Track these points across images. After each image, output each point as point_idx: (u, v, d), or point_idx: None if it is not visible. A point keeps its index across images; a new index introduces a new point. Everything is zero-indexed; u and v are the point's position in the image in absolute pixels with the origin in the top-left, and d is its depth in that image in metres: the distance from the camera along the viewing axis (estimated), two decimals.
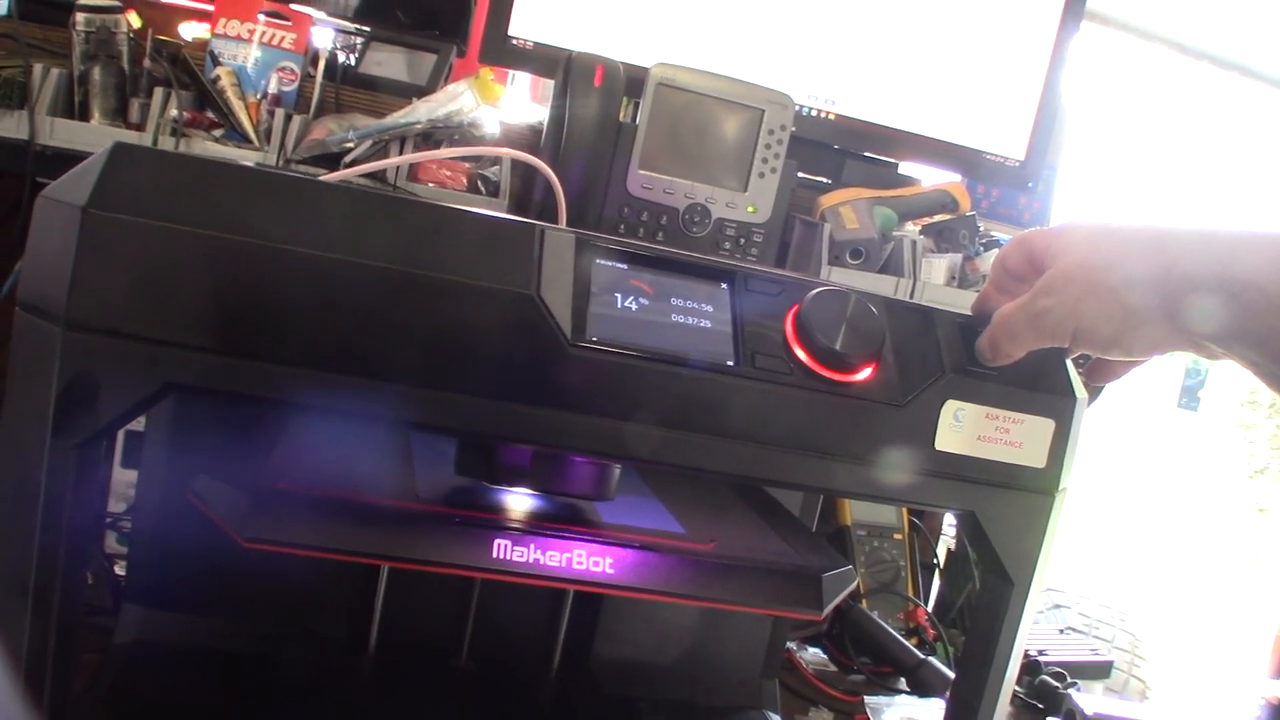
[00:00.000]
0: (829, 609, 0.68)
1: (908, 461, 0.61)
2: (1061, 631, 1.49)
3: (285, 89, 1.11)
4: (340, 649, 0.87)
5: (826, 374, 0.60)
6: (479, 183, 1.12)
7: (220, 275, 0.53)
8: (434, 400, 0.55)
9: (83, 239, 0.51)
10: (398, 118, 1.06)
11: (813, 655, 1.23)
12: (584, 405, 0.57)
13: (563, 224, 0.80)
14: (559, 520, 0.68)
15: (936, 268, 1.24)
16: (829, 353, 0.60)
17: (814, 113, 1.32)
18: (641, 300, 0.60)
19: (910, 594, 1.34)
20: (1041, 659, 1.27)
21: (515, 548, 0.62)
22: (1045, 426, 0.64)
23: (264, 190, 0.55)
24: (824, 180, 1.37)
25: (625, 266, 0.61)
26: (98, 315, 0.52)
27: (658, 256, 0.62)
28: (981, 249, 1.30)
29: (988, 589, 0.67)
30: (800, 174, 1.28)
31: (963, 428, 0.62)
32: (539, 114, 1.26)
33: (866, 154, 1.39)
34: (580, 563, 0.63)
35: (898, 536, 1.37)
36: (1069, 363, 0.66)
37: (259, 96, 1.09)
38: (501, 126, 1.16)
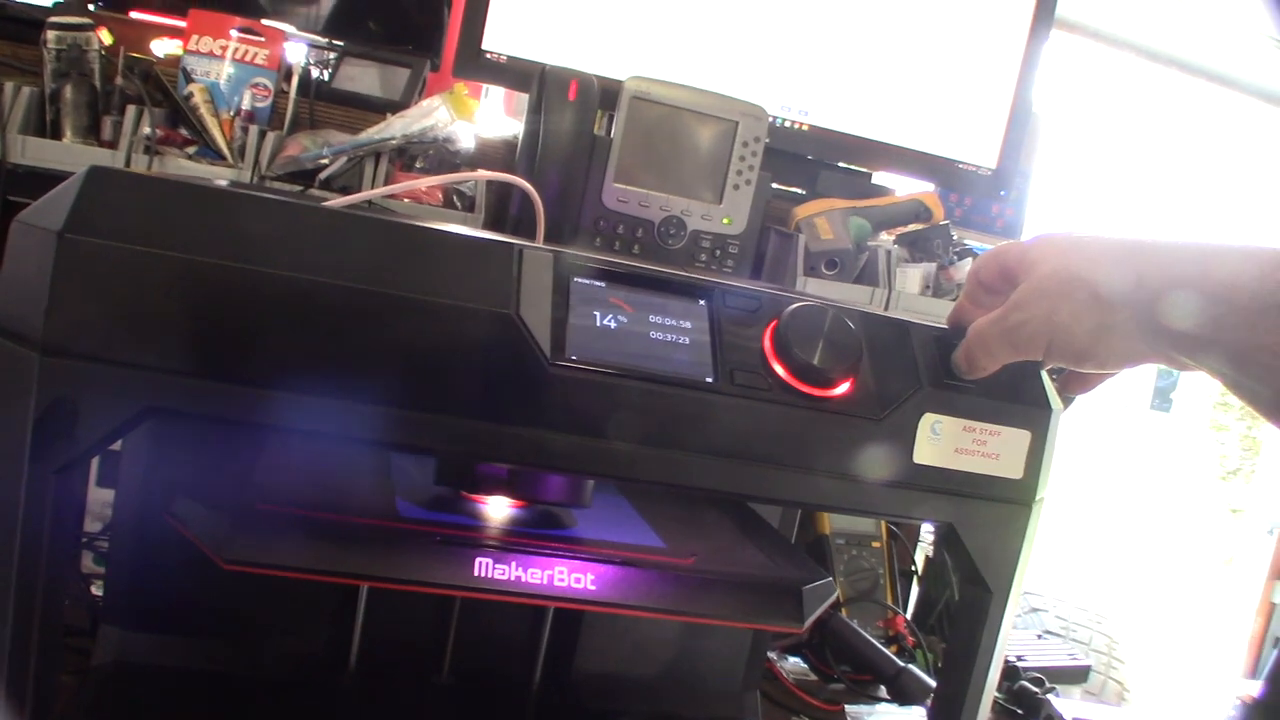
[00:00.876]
0: (809, 621, 0.68)
1: (886, 475, 0.62)
2: (1039, 636, 1.50)
3: (259, 105, 1.11)
4: (320, 667, 0.86)
5: (805, 389, 0.60)
6: (455, 198, 1.12)
7: (198, 298, 0.53)
8: (414, 421, 0.55)
9: (59, 264, 0.51)
10: (372, 133, 1.06)
11: (793, 665, 1.24)
12: (564, 424, 0.57)
13: (540, 240, 0.80)
14: (539, 535, 0.68)
15: (911, 277, 1.25)
16: (807, 368, 0.60)
17: (788, 124, 1.33)
18: (620, 318, 0.60)
19: (889, 602, 1.34)
20: (1020, 664, 1.28)
21: (496, 565, 0.62)
22: (1021, 438, 0.64)
23: (241, 212, 0.55)
24: (798, 191, 1.38)
25: (603, 284, 0.61)
26: (75, 340, 0.51)
27: (636, 274, 0.62)
28: (956, 258, 1.31)
29: (966, 598, 0.67)
30: (775, 185, 1.28)
31: (940, 440, 0.62)
32: (513, 128, 1.26)
33: (840, 164, 1.40)
34: (562, 579, 0.63)
35: (876, 544, 1.38)
36: (1044, 374, 0.67)
37: (232, 113, 1.09)
38: (476, 141, 1.16)
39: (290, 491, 0.68)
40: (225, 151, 1.05)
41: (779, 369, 0.61)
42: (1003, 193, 1.43)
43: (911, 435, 0.62)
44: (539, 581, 0.63)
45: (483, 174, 0.97)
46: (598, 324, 0.59)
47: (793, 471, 0.61)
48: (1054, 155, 1.77)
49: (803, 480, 0.61)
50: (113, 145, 1.04)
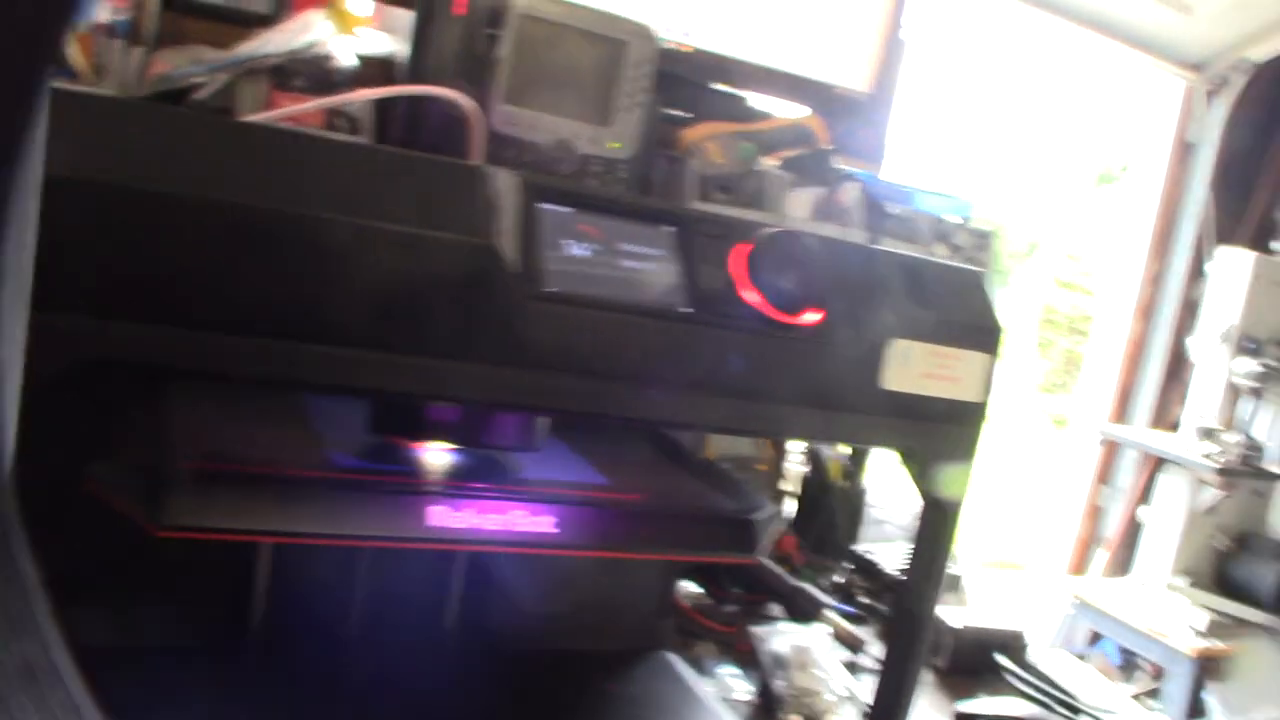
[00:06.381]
0: (762, 550, 0.67)
1: (858, 402, 0.61)
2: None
3: (118, 18, 1.00)
4: (221, 631, 0.80)
5: (777, 317, 0.58)
6: (334, 120, 1.04)
7: (130, 232, 0.46)
8: (386, 364, 0.50)
9: None
10: (250, 49, 0.97)
11: (690, 590, 1.23)
12: (537, 360, 0.53)
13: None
14: (484, 479, 0.65)
15: (801, 202, 1.24)
16: (780, 294, 0.58)
17: (671, 45, 1.29)
18: (592, 246, 0.57)
19: None
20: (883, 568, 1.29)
21: (453, 513, 0.59)
22: (981, 360, 0.64)
23: (171, 131, 0.49)
24: (681, 114, 1.35)
25: (572, 210, 0.57)
26: None
27: (605, 200, 0.59)
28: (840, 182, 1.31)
29: (928, 517, 0.67)
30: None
31: (909, 365, 0.61)
32: (387, 45, 1.18)
33: (719, 87, 1.37)
34: (521, 524, 0.60)
35: (761, 467, 1.38)
36: (990, 293, 0.67)
37: (89, 27, 0.98)
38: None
39: (218, 448, 0.62)
40: (85, 69, 0.95)
41: (751, 296, 0.58)
42: (876, 117, 1.44)
43: (881, 361, 0.61)
44: (497, 528, 0.60)
45: (421, 88, 0.90)
46: (569, 254, 0.56)
47: (767, 403, 0.59)
48: (918, 85, 1.79)
49: (778, 411, 0.59)
50: None
